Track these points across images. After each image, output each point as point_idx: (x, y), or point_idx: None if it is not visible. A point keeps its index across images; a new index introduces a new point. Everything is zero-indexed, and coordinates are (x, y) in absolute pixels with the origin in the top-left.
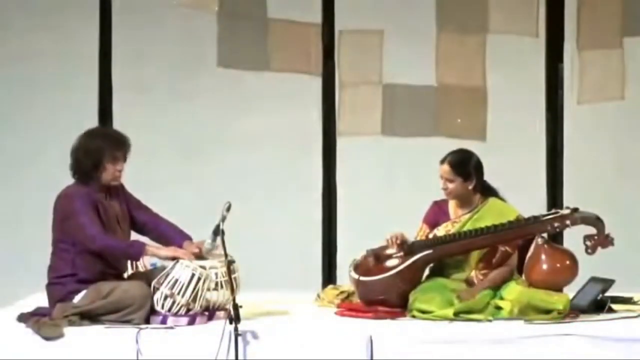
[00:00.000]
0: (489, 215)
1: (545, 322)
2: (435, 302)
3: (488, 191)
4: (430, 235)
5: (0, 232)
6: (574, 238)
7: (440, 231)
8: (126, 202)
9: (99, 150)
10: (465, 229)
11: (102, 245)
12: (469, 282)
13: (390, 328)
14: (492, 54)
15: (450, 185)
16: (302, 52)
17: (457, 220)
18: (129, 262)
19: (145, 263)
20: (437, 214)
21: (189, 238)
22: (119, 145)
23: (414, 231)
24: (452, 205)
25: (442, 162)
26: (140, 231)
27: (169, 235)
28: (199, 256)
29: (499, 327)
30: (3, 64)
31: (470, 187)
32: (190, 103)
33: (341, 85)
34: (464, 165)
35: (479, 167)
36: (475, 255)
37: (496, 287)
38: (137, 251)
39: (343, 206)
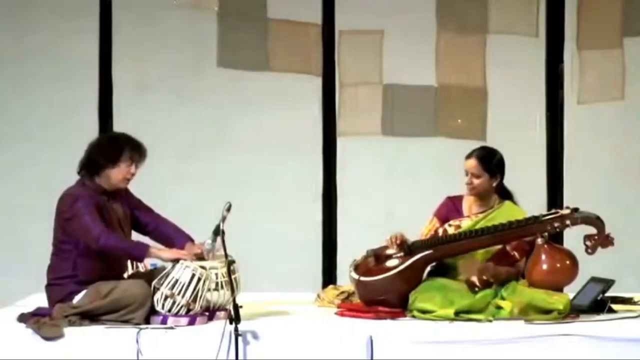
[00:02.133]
0: (502, 217)
1: (545, 322)
2: (436, 301)
3: (505, 193)
4: (440, 230)
5: (0, 232)
6: (574, 238)
7: (452, 227)
8: (128, 203)
9: (120, 147)
10: (477, 227)
11: (105, 244)
12: (469, 283)
13: (390, 328)
14: (492, 54)
15: (476, 181)
16: (302, 52)
17: (471, 217)
18: (129, 263)
19: (145, 263)
20: (449, 209)
21: (191, 239)
22: (138, 150)
23: (414, 231)
24: (467, 202)
25: (469, 157)
26: (142, 232)
27: (171, 236)
28: (200, 256)
29: (499, 327)
30: (3, 64)
31: (494, 184)
32: (191, 103)
33: (341, 85)
34: (491, 161)
35: (502, 165)
36: (479, 255)
37: (498, 283)
38: (141, 252)
39: (343, 206)
